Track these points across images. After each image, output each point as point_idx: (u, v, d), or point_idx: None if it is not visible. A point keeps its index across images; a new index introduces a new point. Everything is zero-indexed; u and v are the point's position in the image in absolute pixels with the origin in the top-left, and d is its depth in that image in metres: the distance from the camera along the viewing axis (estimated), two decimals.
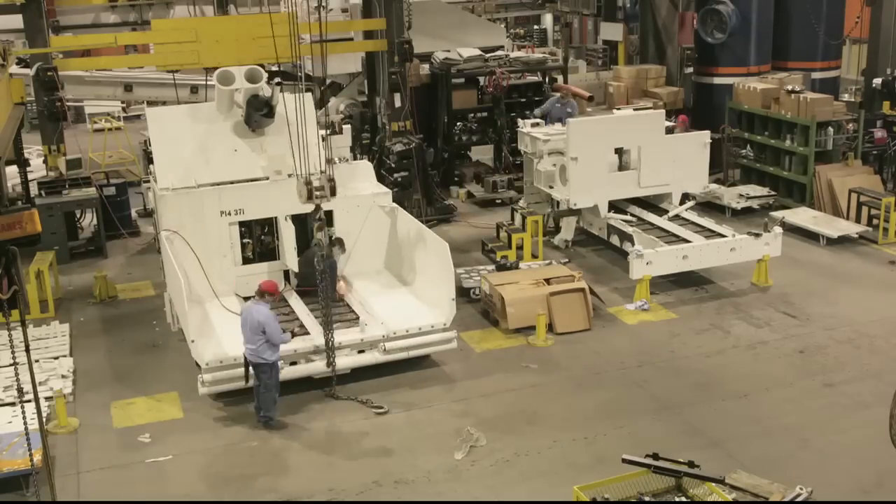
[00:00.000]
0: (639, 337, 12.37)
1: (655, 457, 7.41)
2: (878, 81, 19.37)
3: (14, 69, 16.31)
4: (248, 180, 12.62)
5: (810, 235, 15.85)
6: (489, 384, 11.13)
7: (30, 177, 17.01)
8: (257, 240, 12.70)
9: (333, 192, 10.35)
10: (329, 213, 12.23)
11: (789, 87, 17.92)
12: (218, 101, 12.98)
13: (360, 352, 11.12)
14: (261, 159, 12.82)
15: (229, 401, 10.82)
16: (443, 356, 11.80)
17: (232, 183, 12.48)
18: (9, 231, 6.46)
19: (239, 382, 10.44)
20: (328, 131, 11.89)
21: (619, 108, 18.45)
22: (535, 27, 36.64)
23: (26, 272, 12.55)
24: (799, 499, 7.25)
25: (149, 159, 18.11)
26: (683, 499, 7.30)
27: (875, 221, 15.88)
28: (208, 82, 21.82)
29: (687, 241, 13.95)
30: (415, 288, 12.32)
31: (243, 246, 12.57)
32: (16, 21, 17.03)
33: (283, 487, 9.10)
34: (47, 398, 10.46)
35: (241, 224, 12.46)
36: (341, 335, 11.07)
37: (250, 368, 10.19)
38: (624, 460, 7.43)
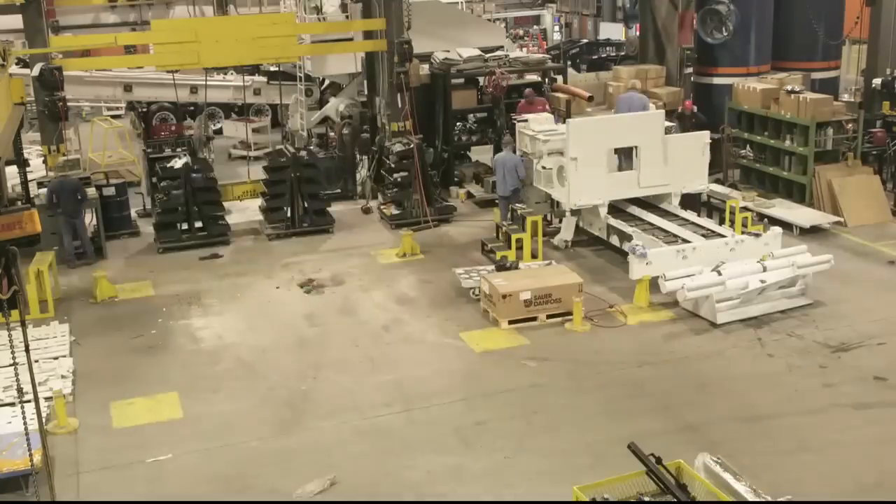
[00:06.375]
0: (639, 337, 12.36)
1: (658, 460, 7.37)
2: (877, 81, 19.35)
3: (14, 69, 16.33)
4: None
5: (807, 234, 15.86)
6: (489, 384, 11.13)
7: (30, 177, 17.00)
8: None
9: None
10: None
11: (789, 88, 17.92)
12: None
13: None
14: None
15: (230, 400, 10.84)
16: (442, 356, 11.81)
17: None
18: (9, 231, 6.46)
19: None
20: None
21: None
22: (535, 27, 36.66)
23: (26, 272, 12.55)
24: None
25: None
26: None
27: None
28: (208, 82, 21.91)
29: (687, 241, 13.98)
30: None
31: None
32: (16, 21, 17.04)
33: (283, 487, 9.10)
34: (47, 398, 10.44)
35: None
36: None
37: None
38: (629, 446, 7.35)
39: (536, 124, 16.05)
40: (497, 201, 16.61)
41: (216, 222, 16.72)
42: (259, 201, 18.00)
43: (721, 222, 15.08)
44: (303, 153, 17.34)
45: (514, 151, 16.30)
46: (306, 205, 17.04)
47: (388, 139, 18.07)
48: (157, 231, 16.47)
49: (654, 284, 13.19)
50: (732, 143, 18.80)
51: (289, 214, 16.99)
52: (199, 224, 16.57)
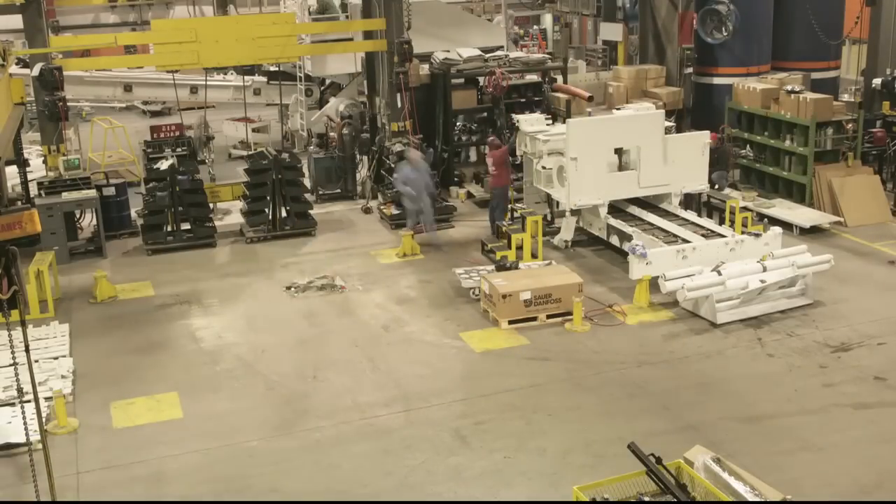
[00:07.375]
0: (639, 337, 12.36)
1: (658, 460, 7.38)
2: (877, 81, 19.36)
3: (14, 69, 16.32)
4: None
5: (806, 234, 15.86)
6: (489, 384, 11.13)
7: (29, 177, 17.00)
8: None
9: None
10: None
11: (789, 88, 17.92)
12: None
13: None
14: None
15: (230, 400, 10.84)
16: (442, 356, 11.82)
17: None
18: (9, 231, 6.47)
19: None
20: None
21: (619, 108, 18.44)
22: (535, 27, 36.60)
23: (26, 272, 12.55)
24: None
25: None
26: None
27: None
28: (208, 82, 21.91)
29: (687, 241, 13.98)
30: None
31: None
32: (16, 21, 17.05)
33: (283, 487, 9.10)
34: (47, 398, 10.45)
35: None
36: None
37: None
38: (629, 446, 7.36)
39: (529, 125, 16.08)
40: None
41: (202, 224, 16.70)
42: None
43: (721, 222, 15.09)
44: (284, 155, 17.19)
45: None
46: (288, 207, 16.92)
47: (388, 139, 18.06)
48: (144, 233, 16.45)
49: (654, 284, 13.19)
50: (732, 143, 18.78)
51: (270, 217, 16.85)
52: (186, 226, 16.54)
